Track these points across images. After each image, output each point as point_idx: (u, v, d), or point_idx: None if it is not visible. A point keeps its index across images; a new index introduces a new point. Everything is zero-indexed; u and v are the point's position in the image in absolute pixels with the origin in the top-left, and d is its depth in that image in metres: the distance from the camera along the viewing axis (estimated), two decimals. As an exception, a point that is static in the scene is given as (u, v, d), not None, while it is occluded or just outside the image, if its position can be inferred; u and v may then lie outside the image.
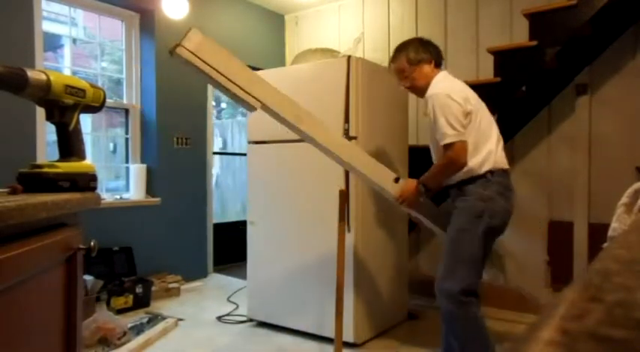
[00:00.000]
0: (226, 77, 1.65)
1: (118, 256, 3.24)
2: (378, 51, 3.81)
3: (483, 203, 1.84)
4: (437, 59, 2.02)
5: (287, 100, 1.84)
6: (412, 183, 1.99)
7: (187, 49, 1.54)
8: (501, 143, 1.97)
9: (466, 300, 1.83)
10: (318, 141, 1.91)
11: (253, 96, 1.72)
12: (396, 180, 2.05)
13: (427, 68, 1.99)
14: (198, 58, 1.57)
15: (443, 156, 1.87)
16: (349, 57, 2.44)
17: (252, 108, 1.75)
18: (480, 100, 1.97)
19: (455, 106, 1.82)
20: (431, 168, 1.98)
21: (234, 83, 1.67)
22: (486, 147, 1.88)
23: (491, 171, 1.86)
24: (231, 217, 5.39)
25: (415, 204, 2.01)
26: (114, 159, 4.02)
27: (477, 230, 1.83)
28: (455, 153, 1.82)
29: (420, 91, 2.00)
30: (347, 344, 2.34)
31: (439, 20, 3.50)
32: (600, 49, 2.85)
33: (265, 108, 1.79)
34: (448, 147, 1.83)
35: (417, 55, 1.99)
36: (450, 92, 1.85)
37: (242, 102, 1.73)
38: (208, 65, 1.60)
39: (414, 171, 2.34)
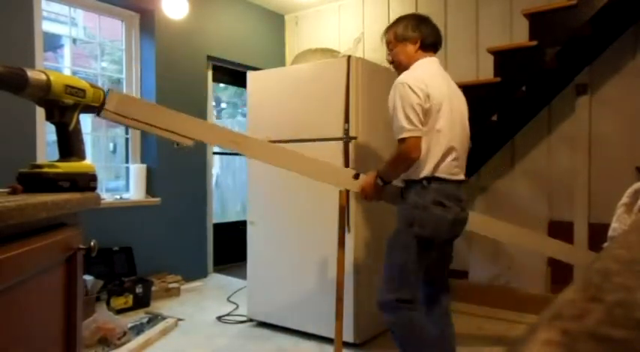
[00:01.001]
0: (152, 125, 1.80)
1: (118, 256, 3.24)
2: (378, 51, 3.81)
3: (416, 211, 1.77)
4: (426, 40, 1.92)
5: (216, 129, 1.97)
6: (370, 177, 1.95)
7: (110, 111, 1.67)
8: (455, 153, 1.81)
9: (403, 307, 1.77)
10: (262, 159, 2.00)
11: (183, 136, 1.86)
12: (356, 176, 2.03)
13: (411, 48, 1.91)
14: (121, 115, 1.72)
15: (395, 149, 1.81)
16: (349, 57, 2.44)
17: (187, 146, 1.89)
18: (450, 101, 1.83)
19: (415, 99, 1.74)
20: (385, 161, 1.93)
21: (162, 129, 1.82)
22: (432, 153, 1.78)
23: (427, 178, 1.77)
24: (231, 217, 5.39)
25: (378, 196, 1.97)
26: (114, 159, 4.03)
27: (408, 239, 1.77)
28: (407, 148, 1.75)
29: (399, 69, 1.94)
30: (347, 344, 2.34)
31: (439, 20, 3.48)
32: (600, 49, 2.85)
33: (199, 141, 1.91)
34: (402, 141, 1.76)
35: (405, 33, 1.92)
36: (414, 84, 1.76)
37: (175, 142, 1.88)
38: (133, 119, 1.75)
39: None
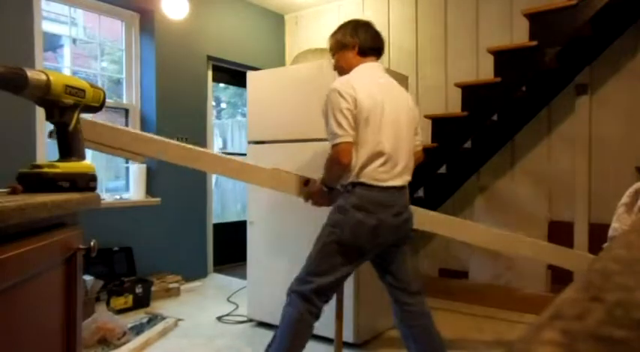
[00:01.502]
0: (104, 144, 1.82)
1: (118, 256, 3.24)
2: (378, 51, 3.81)
3: (338, 214, 1.79)
4: (364, 46, 1.90)
5: (168, 145, 1.97)
6: (317, 183, 1.97)
7: None
8: (384, 158, 1.77)
9: (295, 301, 1.81)
10: (214, 171, 2.06)
11: (134, 153, 1.91)
12: (306, 182, 2.03)
13: (349, 54, 1.90)
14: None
15: (328, 154, 1.82)
16: (349, 57, 2.43)
17: (140, 162, 1.95)
18: (383, 106, 1.78)
19: (344, 105, 1.74)
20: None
21: (113, 147, 1.85)
22: (358, 158, 1.76)
23: (352, 183, 1.77)
24: (231, 217, 5.38)
25: (326, 201, 1.96)
26: (114, 159, 4.02)
27: (328, 240, 1.79)
28: (336, 153, 1.75)
29: (341, 75, 1.92)
30: (347, 344, 2.34)
31: (439, 20, 3.50)
32: (600, 49, 2.85)
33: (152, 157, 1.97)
34: (333, 146, 1.76)
35: (343, 39, 1.91)
36: (342, 90, 1.75)
37: (128, 158, 1.94)
38: (87, 140, 1.81)
39: (415, 170, 2.34)
